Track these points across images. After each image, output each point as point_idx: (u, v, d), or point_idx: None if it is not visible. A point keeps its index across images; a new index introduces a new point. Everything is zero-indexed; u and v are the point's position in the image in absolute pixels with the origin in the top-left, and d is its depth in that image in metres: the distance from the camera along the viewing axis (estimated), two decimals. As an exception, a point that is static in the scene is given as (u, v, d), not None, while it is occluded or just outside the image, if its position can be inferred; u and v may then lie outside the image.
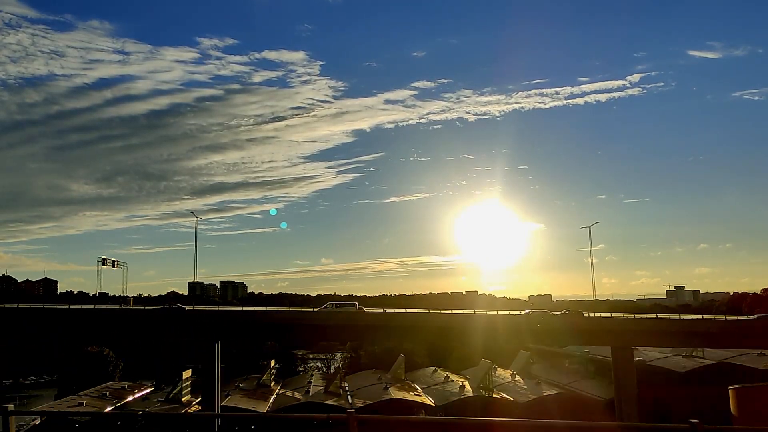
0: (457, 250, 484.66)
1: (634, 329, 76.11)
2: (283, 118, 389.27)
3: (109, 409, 72.54)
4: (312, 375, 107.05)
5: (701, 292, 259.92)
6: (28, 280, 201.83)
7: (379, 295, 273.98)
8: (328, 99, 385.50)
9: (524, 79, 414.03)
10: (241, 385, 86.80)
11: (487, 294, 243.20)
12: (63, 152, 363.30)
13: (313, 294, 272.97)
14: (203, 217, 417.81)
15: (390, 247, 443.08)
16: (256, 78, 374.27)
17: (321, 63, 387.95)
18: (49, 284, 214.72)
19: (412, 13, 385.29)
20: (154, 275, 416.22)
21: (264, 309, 75.36)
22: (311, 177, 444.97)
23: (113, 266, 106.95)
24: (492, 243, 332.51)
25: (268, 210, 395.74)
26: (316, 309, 76.72)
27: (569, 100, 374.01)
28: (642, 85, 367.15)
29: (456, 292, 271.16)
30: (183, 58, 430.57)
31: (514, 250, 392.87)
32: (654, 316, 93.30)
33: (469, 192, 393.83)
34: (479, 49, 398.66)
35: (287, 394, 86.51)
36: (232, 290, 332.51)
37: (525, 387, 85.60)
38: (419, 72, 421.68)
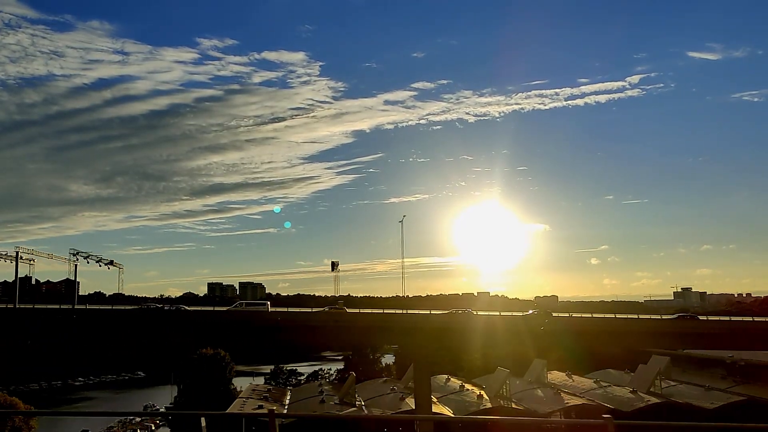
0: (456, 251, 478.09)
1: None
2: (283, 119, 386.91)
3: (285, 411, 69.30)
4: (449, 379, 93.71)
5: (707, 293, 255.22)
6: (48, 280, 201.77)
7: (393, 296, 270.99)
8: (327, 100, 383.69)
9: (524, 80, 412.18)
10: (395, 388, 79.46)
11: (499, 295, 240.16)
12: (62, 153, 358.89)
13: (323, 295, 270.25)
14: (202, 218, 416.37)
15: (389, 247, 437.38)
16: (256, 78, 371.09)
17: (321, 64, 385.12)
18: (71, 285, 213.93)
19: (411, 14, 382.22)
20: (156, 276, 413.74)
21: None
22: (311, 178, 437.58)
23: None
24: (492, 244, 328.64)
25: (268, 210, 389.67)
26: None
27: (569, 101, 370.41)
28: (642, 86, 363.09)
29: (467, 293, 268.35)
30: (182, 58, 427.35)
31: (514, 251, 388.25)
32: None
33: (468, 193, 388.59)
34: (479, 50, 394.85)
35: (451, 397, 78.43)
36: (252, 291, 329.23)
37: (695, 392, 77.58)
38: (419, 73, 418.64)
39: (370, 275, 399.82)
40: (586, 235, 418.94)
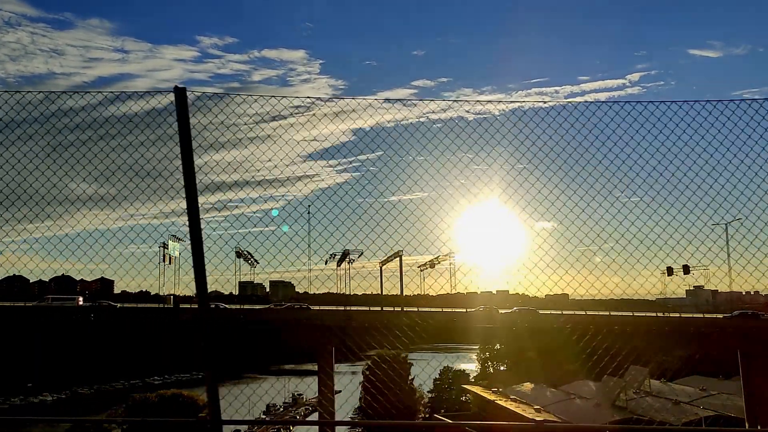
0: (456, 249, 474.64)
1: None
2: (283, 117, 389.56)
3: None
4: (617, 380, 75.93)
5: (718, 291, 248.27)
6: (83, 279, 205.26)
7: (415, 295, 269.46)
8: (328, 98, 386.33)
9: (524, 77, 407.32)
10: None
11: (520, 293, 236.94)
12: (61, 151, 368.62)
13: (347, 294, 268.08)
14: (201, 217, 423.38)
15: (389, 246, 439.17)
16: (256, 77, 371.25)
17: (321, 62, 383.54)
18: (107, 284, 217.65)
19: (412, 11, 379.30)
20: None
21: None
22: (311, 176, 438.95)
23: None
24: (492, 242, 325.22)
25: (268, 209, 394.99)
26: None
27: (569, 99, 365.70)
28: (642, 84, 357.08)
29: (486, 291, 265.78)
30: (182, 56, 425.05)
31: (516, 249, 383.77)
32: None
33: (469, 191, 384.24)
34: (479, 47, 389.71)
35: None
36: (283, 289, 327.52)
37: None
38: (419, 71, 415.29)
39: (370, 273, 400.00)
40: (591, 234, 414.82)
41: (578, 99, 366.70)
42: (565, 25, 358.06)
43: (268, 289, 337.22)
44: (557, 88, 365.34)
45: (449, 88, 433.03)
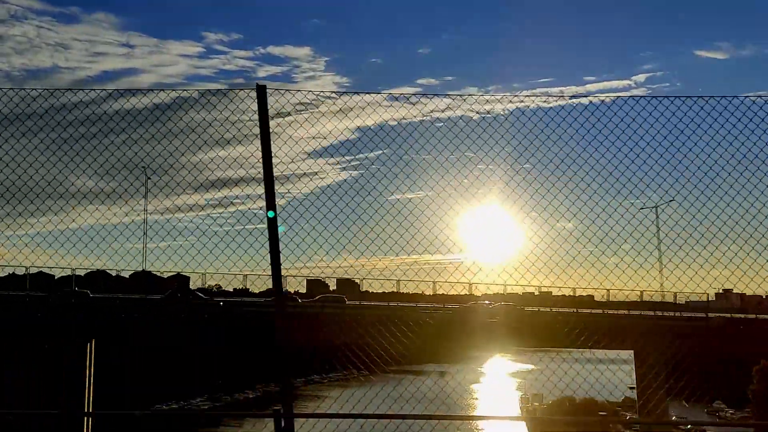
0: (458, 249, 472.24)
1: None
2: (287, 114, 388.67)
3: None
4: None
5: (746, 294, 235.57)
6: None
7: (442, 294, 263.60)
8: (332, 95, 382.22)
9: (529, 77, 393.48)
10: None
11: (551, 293, 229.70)
12: (64, 146, 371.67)
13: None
14: (205, 213, 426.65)
15: (390, 245, 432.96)
16: (261, 73, 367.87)
17: (326, 59, 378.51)
18: (183, 280, 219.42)
19: (417, 9, 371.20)
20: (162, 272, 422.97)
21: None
22: (314, 173, 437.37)
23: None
24: (494, 242, 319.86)
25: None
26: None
27: (573, 99, 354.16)
28: (647, 85, 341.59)
29: (528, 292, 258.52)
30: (188, 52, 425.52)
31: (517, 248, 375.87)
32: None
33: (471, 190, 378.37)
34: (484, 47, 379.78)
35: None
36: (350, 287, 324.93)
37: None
38: (424, 69, 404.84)
39: (371, 272, 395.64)
40: (598, 234, 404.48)
41: (583, 100, 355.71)
42: (571, 24, 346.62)
43: (333, 288, 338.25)
44: (562, 88, 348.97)
45: (454, 87, 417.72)
